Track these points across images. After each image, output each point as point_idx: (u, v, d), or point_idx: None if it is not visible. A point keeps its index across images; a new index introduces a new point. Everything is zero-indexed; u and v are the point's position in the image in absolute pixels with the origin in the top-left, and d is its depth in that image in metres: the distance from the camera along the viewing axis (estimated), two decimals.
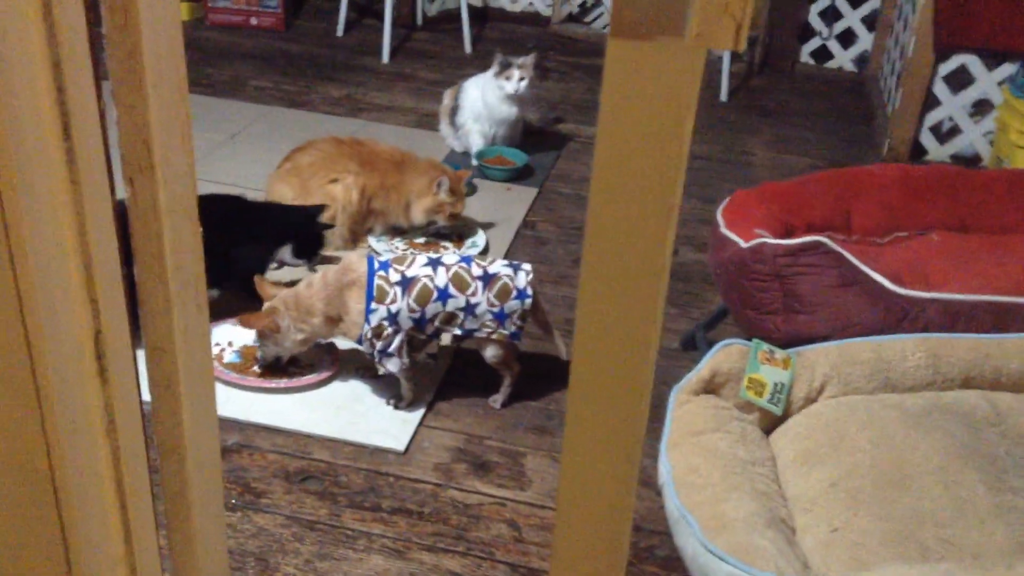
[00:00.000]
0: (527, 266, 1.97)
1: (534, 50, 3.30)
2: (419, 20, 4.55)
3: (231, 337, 2.15)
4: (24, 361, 0.84)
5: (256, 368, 2.05)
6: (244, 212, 2.31)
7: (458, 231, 2.73)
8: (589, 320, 0.80)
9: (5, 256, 0.79)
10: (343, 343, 2.16)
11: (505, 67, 3.09)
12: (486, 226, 2.78)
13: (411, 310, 1.89)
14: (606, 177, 0.70)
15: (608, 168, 0.70)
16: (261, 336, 1.98)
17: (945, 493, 1.38)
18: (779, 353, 1.64)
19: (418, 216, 2.62)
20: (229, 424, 1.94)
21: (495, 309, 1.92)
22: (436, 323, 1.93)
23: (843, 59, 4.29)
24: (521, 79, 3.08)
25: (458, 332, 1.95)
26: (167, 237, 0.95)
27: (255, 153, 3.09)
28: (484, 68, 3.30)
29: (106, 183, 0.89)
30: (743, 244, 1.84)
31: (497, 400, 2.05)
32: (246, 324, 1.95)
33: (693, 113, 0.68)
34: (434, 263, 1.93)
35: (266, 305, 1.96)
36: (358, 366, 2.12)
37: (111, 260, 0.91)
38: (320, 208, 2.42)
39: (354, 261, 1.94)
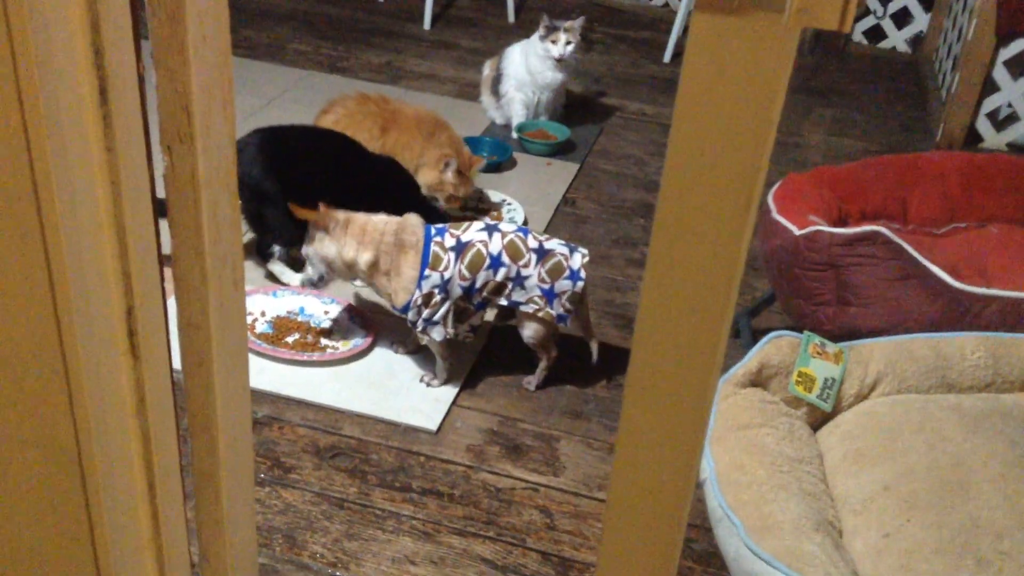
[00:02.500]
0: (584, 250, 1.92)
1: (581, 14, 3.20)
2: None
3: (264, 307, 2.11)
4: (53, 337, 0.80)
5: (299, 283, 2.00)
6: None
7: (495, 205, 2.67)
8: (653, 317, 0.75)
9: (36, 228, 0.75)
10: (376, 315, 2.12)
11: (551, 30, 3.01)
12: (524, 201, 2.72)
13: (462, 277, 1.85)
14: (681, 165, 0.65)
15: (684, 155, 0.64)
16: (310, 237, 1.90)
17: (1004, 502, 1.32)
18: (831, 347, 1.57)
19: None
20: (260, 396, 1.91)
21: (545, 286, 1.87)
22: (484, 293, 1.88)
23: (897, 39, 4.16)
24: (568, 43, 3.00)
25: (504, 303, 1.90)
26: (205, 209, 0.91)
27: (292, 119, 3.02)
28: (528, 37, 3.23)
29: (143, 151, 0.85)
30: (796, 231, 1.76)
31: (532, 382, 2.00)
32: (299, 212, 1.87)
33: (782, 101, 0.62)
34: (491, 229, 1.89)
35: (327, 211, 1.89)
36: (392, 340, 2.08)
37: (147, 233, 0.86)
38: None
39: (414, 222, 1.89)
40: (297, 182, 2.16)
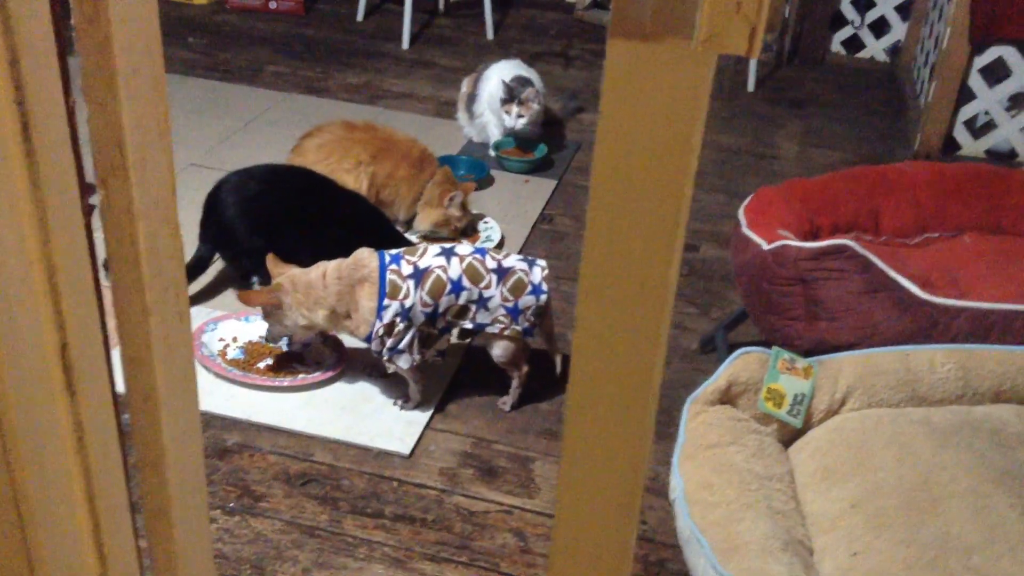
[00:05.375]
0: (542, 262, 1.90)
1: (559, 32, 3.18)
2: (441, 5, 4.47)
3: (236, 333, 2.10)
4: None
5: (267, 342, 2.01)
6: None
7: (472, 223, 2.66)
8: (588, 344, 0.74)
9: None
10: (349, 340, 2.10)
11: (508, 100, 2.97)
12: (501, 219, 2.71)
13: (424, 304, 1.83)
14: (604, 194, 0.64)
15: (607, 184, 0.63)
16: (265, 313, 1.92)
17: (974, 517, 1.31)
18: (800, 362, 1.56)
19: (423, 225, 2.58)
20: (230, 423, 1.89)
21: (509, 304, 1.86)
22: (448, 317, 1.87)
23: (875, 49, 4.16)
24: (519, 116, 2.98)
25: (469, 326, 1.88)
26: (143, 242, 0.89)
27: (270, 140, 3.04)
28: (506, 56, 3.22)
29: (74, 185, 0.83)
30: (765, 246, 1.76)
31: (507, 402, 1.99)
32: (245, 300, 1.89)
33: (702, 124, 0.61)
34: (447, 253, 1.87)
35: (274, 281, 1.90)
36: (365, 364, 2.06)
37: (80, 268, 0.85)
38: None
39: (365, 256, 1.88)
40: (270, 224, 2.17)
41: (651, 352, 0.70)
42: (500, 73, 3.08)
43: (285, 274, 1.88)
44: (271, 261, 1.92)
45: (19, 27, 0.73)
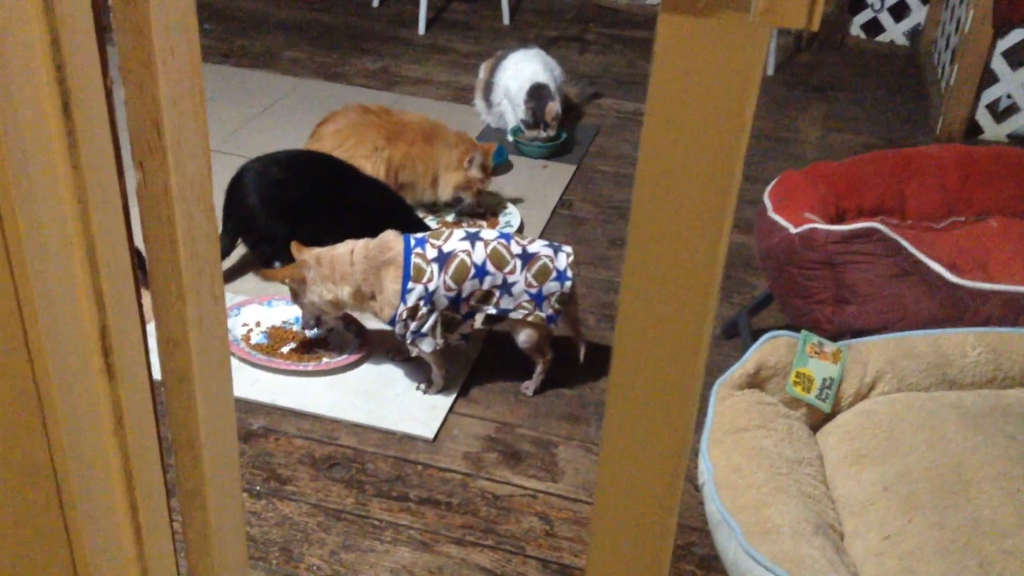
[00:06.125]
0: (567, 248, 1.90)
1: (576, 15, 3.16)
2: None
3: (259, 317, 2.10)
4: (23, 358, 0.78)
5: (302, 330, 2.02)
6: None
7: (491, 209, 2.65)
8: (633, 324, 0.73)
9: (0, 247, 0.74)
10: (372, 323, 2.10)
11: (533, 125, 2.96)
12: (521, 204, 2.70)
13: (448, 288, 1.82)
14: (654, 171, 0.63)
15: (656, 161, 0.63)
16: (291, 291, 1.92)
17: (1007, 501, 1.30)
18: (829, 346, 1.55)
19: (446, 191, 2.56)
20: (256, 407, 1.89)
21: (533, 290, 1.85)
22: (472, 302, 1.86)
23: (895, 32, 4.13)
24: (547, 134, 2.98)
25: (493, 311, 1.88)
26: (179, 223, 0.89)
27: (288, 126, 3.03)
28: (523, 41, 3.20)
29: (112, 166, 0.83)
30: (792, 229, 1.74)
31: (529, 387, 1.98)
32: (269, 276, 1.90)
33: (754, 101, 0.60)
34: (472, 237, 1.86)
35: (299, 259, 1.90)
36: (388, 349, 2.06)
37: (119, 249, 0.85)
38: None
39: (391, 238, 1.87)
40: (293, 210, 2.17)
41: (697, 335, 0.70)
42: (517, 66, 3.06)
43: (310, 252, 1.88)
44: (295, 247, 1.92)
45: (59, 7, 0.73)
